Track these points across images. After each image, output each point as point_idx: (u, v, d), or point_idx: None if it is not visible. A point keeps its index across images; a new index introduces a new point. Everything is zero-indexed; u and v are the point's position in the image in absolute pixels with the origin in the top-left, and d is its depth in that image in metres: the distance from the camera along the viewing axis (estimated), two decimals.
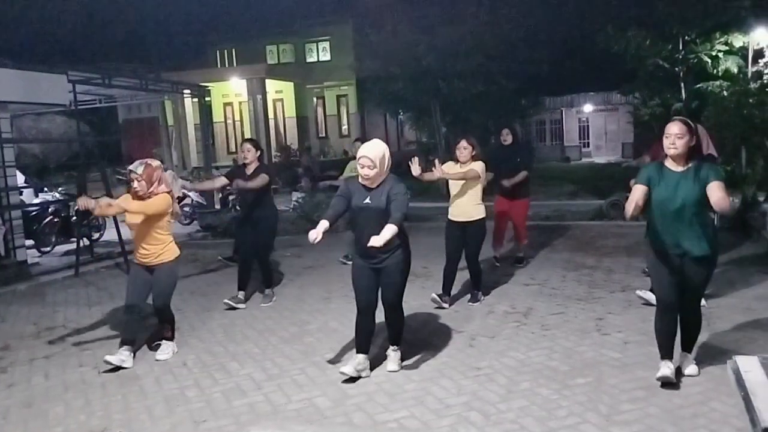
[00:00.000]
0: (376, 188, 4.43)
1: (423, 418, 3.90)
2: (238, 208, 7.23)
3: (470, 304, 6.24)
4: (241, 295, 6.69)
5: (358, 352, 4.59)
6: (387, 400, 4.18)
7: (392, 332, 4.74)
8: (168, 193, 5.03)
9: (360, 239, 4.44)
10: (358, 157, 4.44)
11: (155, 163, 5.12)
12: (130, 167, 5.02)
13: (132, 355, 5.10)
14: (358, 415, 4.00)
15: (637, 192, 4.08)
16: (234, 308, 6.55)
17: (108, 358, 4.96)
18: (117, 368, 4.95)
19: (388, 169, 4.46)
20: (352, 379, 4.47)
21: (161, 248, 5.08)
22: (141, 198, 4.96)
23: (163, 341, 5.32)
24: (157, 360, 5.15)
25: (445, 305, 6.16)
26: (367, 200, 4.41)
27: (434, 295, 6.18)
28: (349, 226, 4.68)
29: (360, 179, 4.48)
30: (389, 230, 4.17)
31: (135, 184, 4.94)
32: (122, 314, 5.31)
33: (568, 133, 35.62)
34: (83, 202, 4.97)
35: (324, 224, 4.34)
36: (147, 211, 4.90)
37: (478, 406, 4.00)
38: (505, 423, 3.77)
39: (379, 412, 4.02)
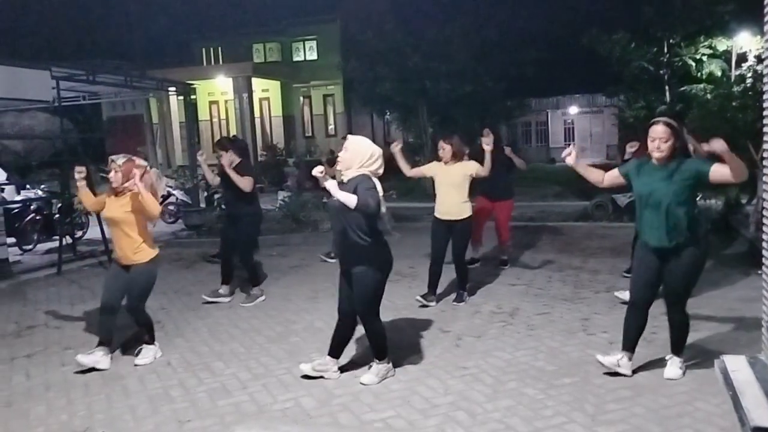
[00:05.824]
0: (347, 184, 4.20)
1: (409, 417, 3.89)
2: (223, 206, 7.45)
3: (455, 303, 6.24)
4: (222, 289, 6.74)
5: (328, 354, 4.53)
6: (373, 399, 4.16)
7: (371, 345, 4.52)
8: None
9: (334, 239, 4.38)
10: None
11: (141, 162, 5.00)
12: (112, 157, 4.97)
13: (109, 356, 4.95)
14: (344, 415, 3.98)
15: (607, 174, 4.28)
16: (214, 302, 6.59)
17: (80, 358, 4.83)
18: (91, 369, 4.82)
19: (361, 167, 4.20)
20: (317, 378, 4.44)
21: (136, 246, 4.91)
22: (116, 192, 4.92)
23: (144, 346, 5.13)
24: (135, 365, 4.97)
25: (431, 303, 6.16)
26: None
27: (419, 297, 6.19)
28: (332, 225, 4.64)
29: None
30: (346, 195, 4.00)
31: (111, 174, 4.89)
32: (98, 313, 5.13)
33: (554, 134, 35.83)
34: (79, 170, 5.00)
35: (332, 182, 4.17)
36: (142, 202, 4.75)
37: (464, 406, 4.00)
38: (492, 423, 3.77)
39: (365, 411, 4.00)
